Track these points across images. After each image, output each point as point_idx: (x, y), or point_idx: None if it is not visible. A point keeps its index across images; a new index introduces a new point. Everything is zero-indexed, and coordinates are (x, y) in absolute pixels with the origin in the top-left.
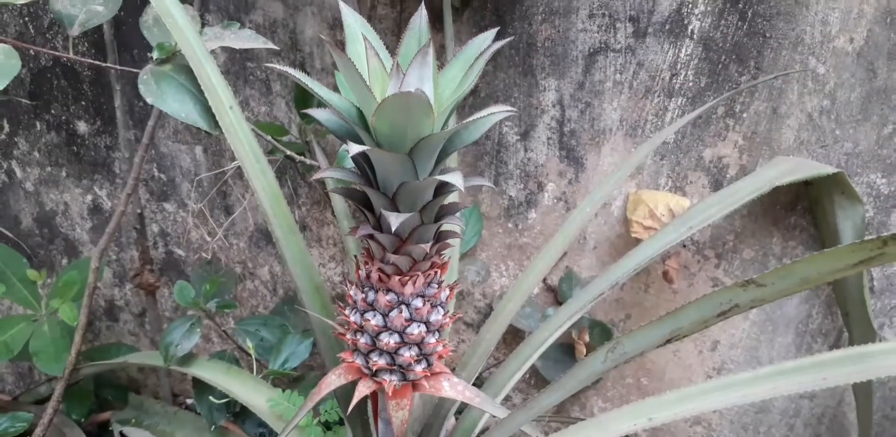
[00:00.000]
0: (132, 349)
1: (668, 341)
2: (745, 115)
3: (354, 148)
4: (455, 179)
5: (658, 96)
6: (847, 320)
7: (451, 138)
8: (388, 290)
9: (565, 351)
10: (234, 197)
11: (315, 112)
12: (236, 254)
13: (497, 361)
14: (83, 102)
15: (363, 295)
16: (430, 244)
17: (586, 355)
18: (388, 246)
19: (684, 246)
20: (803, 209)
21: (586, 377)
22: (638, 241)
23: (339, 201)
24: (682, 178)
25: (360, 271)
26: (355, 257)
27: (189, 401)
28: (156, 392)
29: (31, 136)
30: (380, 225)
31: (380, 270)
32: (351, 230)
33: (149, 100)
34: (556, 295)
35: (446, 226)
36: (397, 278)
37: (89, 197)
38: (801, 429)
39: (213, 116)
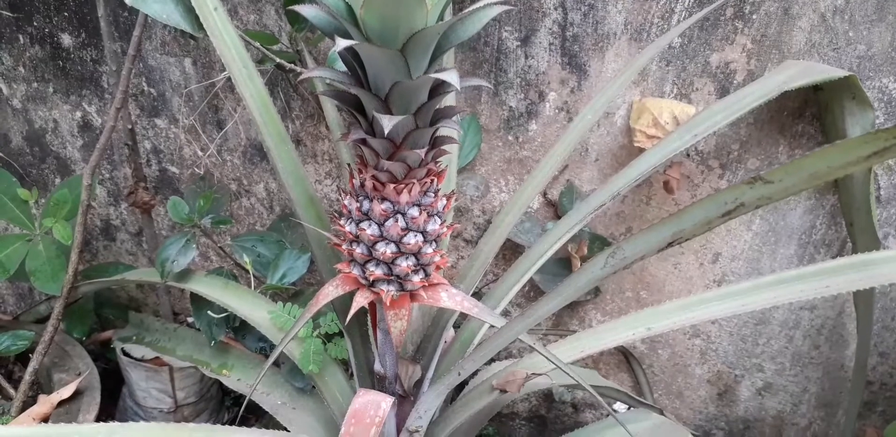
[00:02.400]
0: (130, 268)
1: (671, 245)
2: (754, 16)
3: (342, 43)
4: (450, 76)
5: None
6: (851, 230)
7: (447, 33)
8: (384, 199)
9: (565, 265)
10: (226, 111)
11: (301, 8)
12: (230, 170)
13: (496, 277)
14: (66, 13)
15: (358, 204)
16: (425, 150)
17: (586, 261)
18: (381, 152)
19: (688, 156)
20: (811, 116)
21: (585, 284)
22: (641, 151)
23: (331, 111)
24: (688, 84)
25: (353, 180)
26: (349, 165)
27: (189, 319)
28: (156, 311)
29: (14, 50)
30: (373, 129)
31: (374, 177)
32: (342, 135)
33: (127, 1)
34: (557, 209)
35: (442, 131)
36: (392, 186)
37: (78, 113)
38: (800, 340)
39: (197, 17)
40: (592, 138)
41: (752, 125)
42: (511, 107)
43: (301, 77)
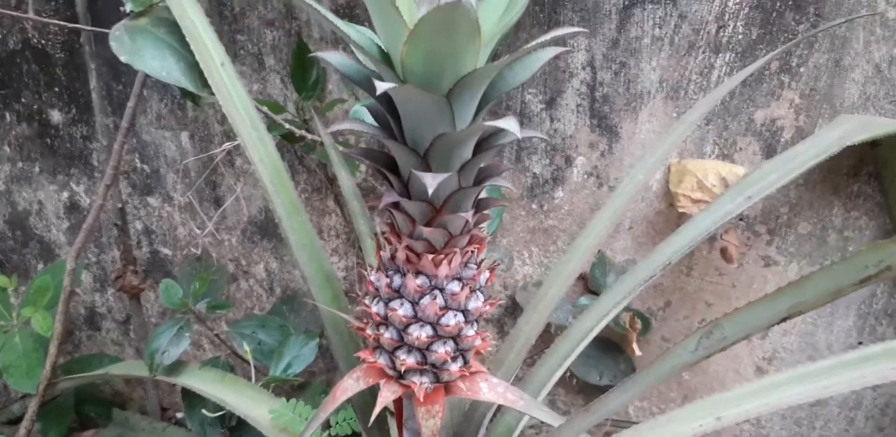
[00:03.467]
0: (115, 360)
1: (784, 320)
2: (802, 69)
3: (382, 86)
4: (509, 124)
5: (703, 52)
6: None
7: (495, 80)
8: (419, 272)
9: (599, 346)
10: (225, 187)
11: (327, 55)
12: (228, 251)
13: (522, 361)
14: (56, 89)
15: (388, 280)
16: (470, 213)
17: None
18: (418, 217)
19: (741, 220)
20: (868, 175)
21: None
22: (683, 216)
23: (345, 180)
24: (731, 144)
25: (381, 252)
26: (375, 234)
27: (179, 415)
28: (143, 407)
29: None
30: (408, 191)
31: (408, 248)
32: (369, 201)
33: (123, 58)
34: (588, 283)
35: (486, 192)
36: (430, 256)
37: (65, 194)
38: (861, 422)
39: (201, 73)
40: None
41: (803, 186)
42: (535, 173)
43: (332, 128)
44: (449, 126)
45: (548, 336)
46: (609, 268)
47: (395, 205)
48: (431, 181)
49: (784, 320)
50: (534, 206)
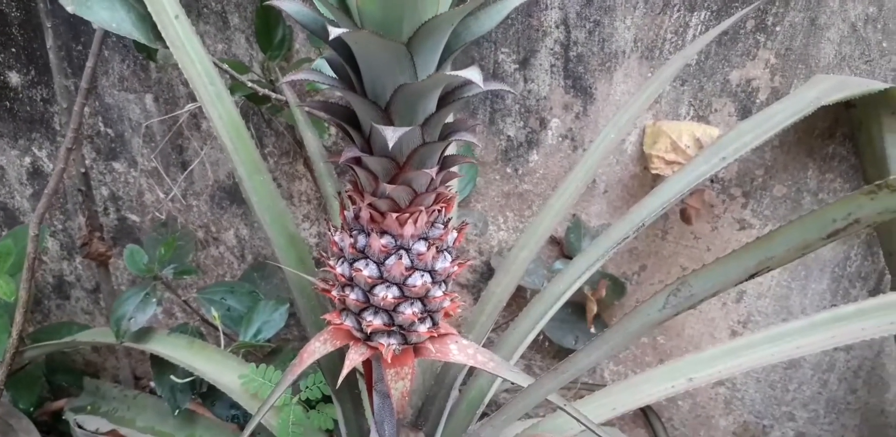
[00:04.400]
0: (84, 328)
1: (752, 276)
2: (778, 28)
3: (336, 31)
4: (472, 74)
5: (678, 10)
6: (891, 260)
7: (459, 29)
8: (383, 232)
9: (573, 310)
10: (192, 151)
11: (282, 3)
12: (197, 216)
13: (496, 324)
14: (13, 49)
15: (351, 240)
16: (435, 170)
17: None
18: (380, 174)
19: (711, 182)
20: (843, 136)
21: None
22: (658, 179)
23: (311, 140)
24: (706, 106)
25: (345, 212)
26: (339, 193)
27: (153, 384)
28: (115, 376)
29: None
30: (369, 147)
31: (371, 206)
32: (331, 157)
33: (69, 8)
34: (562, 247)
35: (456, 151)
36: (394, 215)
37: (27, 159)
38: (835, 384)
39: (154, 25)
40: (600, 168)
41: (778, 148)
42: (509, 136)
43: (286, 78)
44: (410, 77)
45: (523, 302)
46: (584, 232)
47: (357, 161)
48: (392, 134)
49: (752, 276)
50: (508, 170)
